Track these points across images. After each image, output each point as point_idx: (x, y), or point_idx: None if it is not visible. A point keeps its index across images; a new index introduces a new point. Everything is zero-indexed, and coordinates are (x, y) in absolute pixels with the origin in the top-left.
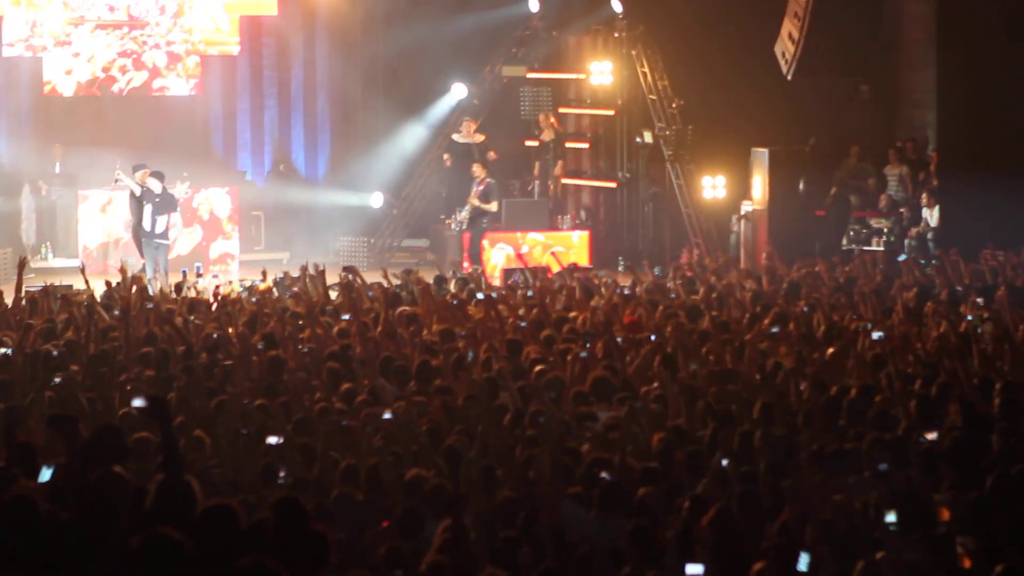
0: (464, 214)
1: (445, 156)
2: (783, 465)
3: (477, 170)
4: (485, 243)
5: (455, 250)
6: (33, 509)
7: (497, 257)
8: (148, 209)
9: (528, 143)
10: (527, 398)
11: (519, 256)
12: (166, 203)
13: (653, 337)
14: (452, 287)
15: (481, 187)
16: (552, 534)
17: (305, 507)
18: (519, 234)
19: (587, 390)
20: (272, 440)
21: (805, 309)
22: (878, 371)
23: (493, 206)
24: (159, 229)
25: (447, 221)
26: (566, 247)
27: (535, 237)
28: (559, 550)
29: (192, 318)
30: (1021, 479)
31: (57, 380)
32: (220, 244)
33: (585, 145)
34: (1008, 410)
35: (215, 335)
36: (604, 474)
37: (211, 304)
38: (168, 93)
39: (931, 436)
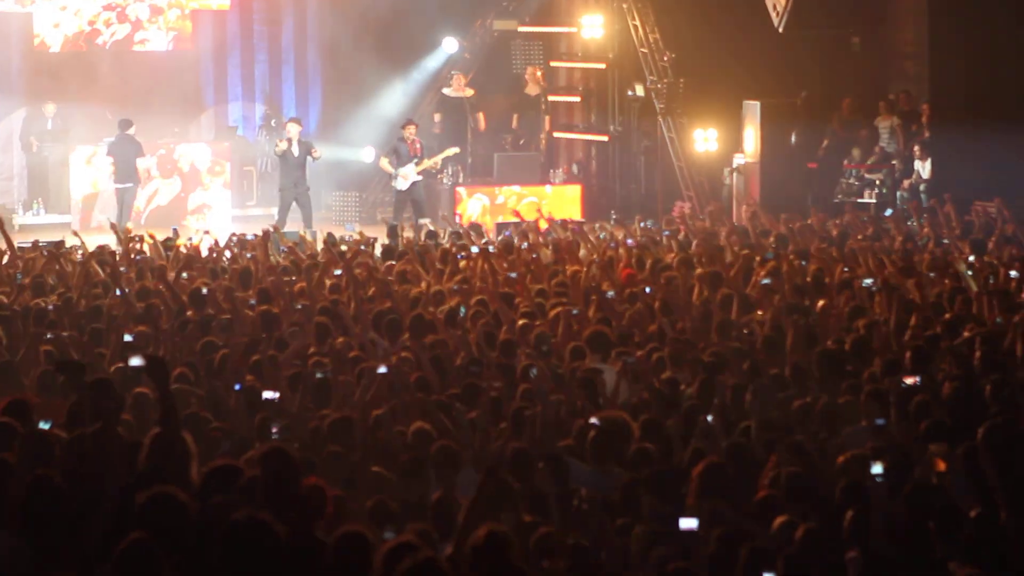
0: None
1: (436, 116)
2: (775, 418)
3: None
4: (462, 192)
5: (447, 204)
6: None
7: (473, 207)
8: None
9: (513, 98)
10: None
11: (514, 212)
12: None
13: (648, 290)
14: (445, 240)
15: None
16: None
17: (296, 460)
18: (497, 188)
19: (583, 344)
20: (268, 395)
21: (801, 263)
22: (867, 322)
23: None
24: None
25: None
26: (540, 198)
27: (512, 189)
28: (561, 502)
29: (184, 275)
30: (1011, 429)
31: (50, 336)
32: (199, 195)
33: (576, 99)
34: (991, 361)
35: (204, 291)
36: (594, 419)
37: (204, 259)
38: (149, 46)
39: (910, 380)
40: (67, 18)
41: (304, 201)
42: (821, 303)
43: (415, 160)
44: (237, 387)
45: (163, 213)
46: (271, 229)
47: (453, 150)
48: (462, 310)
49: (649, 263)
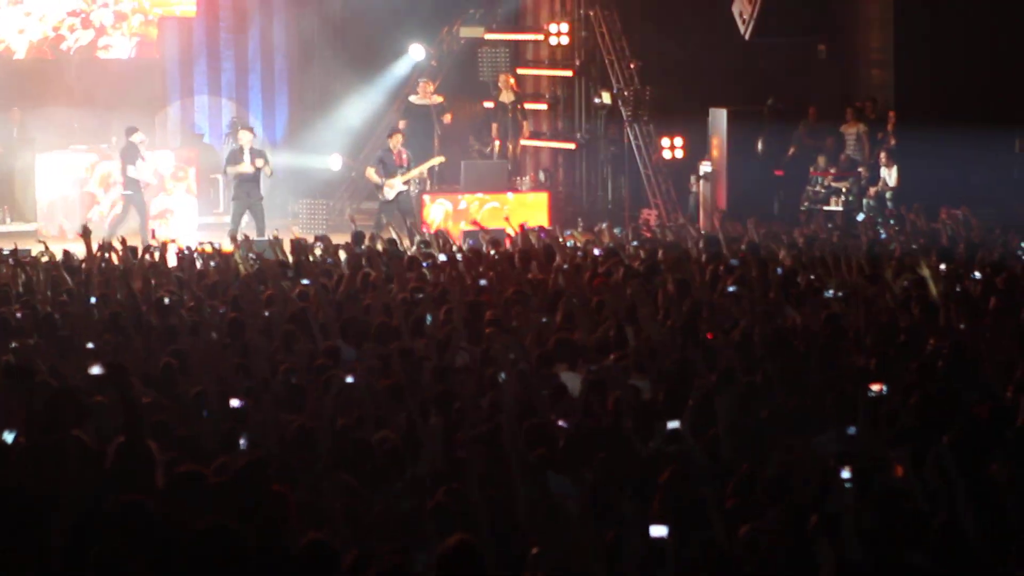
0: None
1: (400, 123)
2: (742, 425)
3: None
4: (425, 198)
5: (414, 212)
6: None
7: (436, 213)
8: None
9: (486, 104)
10: (486, 360)
11: (474, 221)
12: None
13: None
14: (410, 246)
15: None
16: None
17: (268, 470)
18: (460, 195)
19: (550, 352)
20: (235, 403)
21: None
22: (834, 329)
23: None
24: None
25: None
26: (502, 203)
27: (475, 196)
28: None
29: (153, 282)
30: (975, 436)
31: (14, 345)
32: (162, 200)
33: (543, 106)
34: (955, 369)
35: (167, 300)
36: (561, 423)
37: (171, 265)
38: (114, 53)
39: (876, 388)
40: (31, 24)
41: (257, 210)
42: (790, 311)
43: (401, 170)
44: (201, 393)
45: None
46: (240, 237)
47: (439, 159)
48: (428, 318)
49: (621, 271)
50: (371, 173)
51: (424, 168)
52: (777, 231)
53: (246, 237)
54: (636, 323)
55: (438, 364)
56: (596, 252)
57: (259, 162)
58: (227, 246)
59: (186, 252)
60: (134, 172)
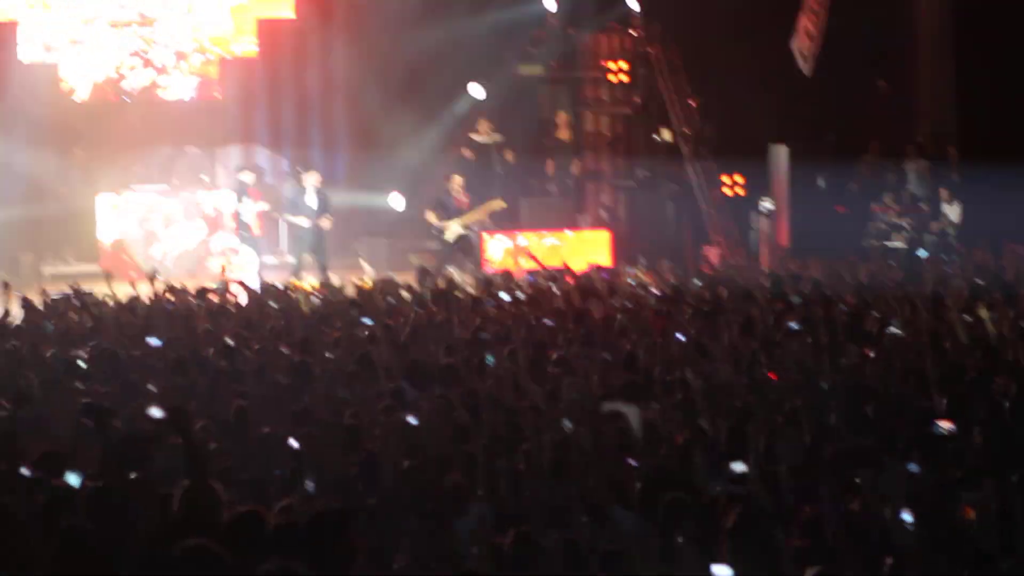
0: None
1: (464, 151)
2: (807, 465)
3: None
4: (486, 236)
5: (475, 251)
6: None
7: (495, 250)
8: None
9: (545, 142)
10: (551, 400)
11: (534, 258)
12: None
13: (684, 338)
14: (470, 287)
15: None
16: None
17: (344, 516)
18: (521, 233)
19: (612, 391)
20: (294, 444)
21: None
22: (901, 368)
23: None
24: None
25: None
26: (561, 241)
27: (535, 233)
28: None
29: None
30: None
31: (81, 387)
32: (222, 238)
33: (604, 144)
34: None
35: (232, 342)
36: (632, 462)
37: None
38: (174, 93)
39: (946, 425)
40: (93, 66)
41: (320, 250)
42: (854, 349)
43: (461, 213)
44: (266, 436)
45: (189, 256)
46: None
47: (499, 204)
48: (490, 359)
49: (683, 309)
50: (430, 216)
51: (484, 212)
52: (840, 269)
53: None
54: (700, 363)
55: (502, 404)
56: (658, 291)
57: (327, 221)
58: (291, 287)
59: (250, 293)
60: (243, 212)
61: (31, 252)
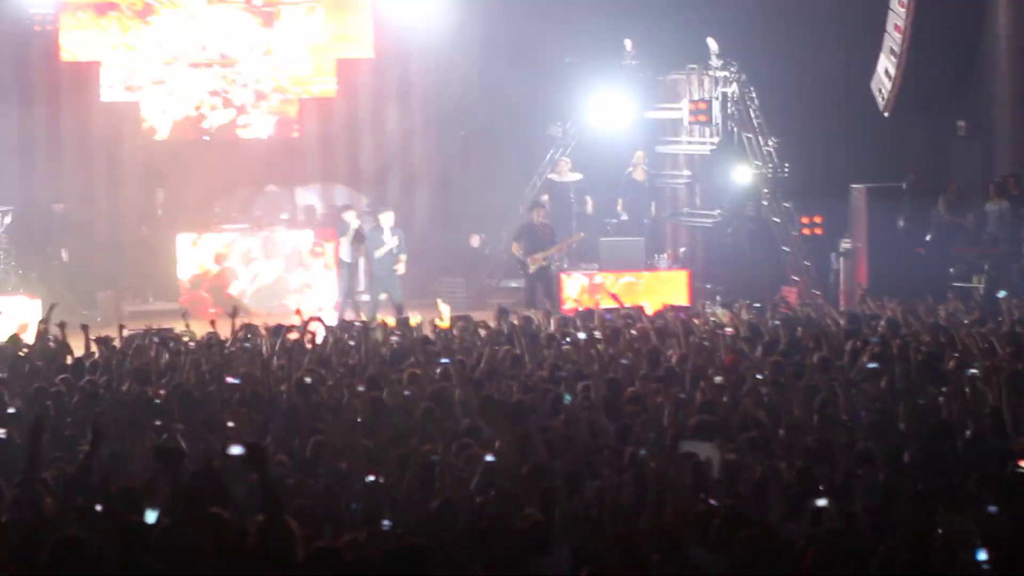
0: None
1: (544, 197)
2: (884, 505)
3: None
4: (563, 275)
5: (552, 289)
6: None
7: (572, 288)
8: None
9: (623, 180)
10: (625, 438)
11: (614, 296)
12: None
13: (760, 376)
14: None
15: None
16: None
17: (420, 553)
18: (598, 272)
19: (688, 431)
20: (370, 479)
21: (904, 345)
22: (979, 408)
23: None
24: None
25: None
26: (638, 279)
27: (611, 272)
28: None
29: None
30: None
31: (158, 424)
32: (300, 275)
33: (682, 183)
34: None
35: (308, 379)
36: (712, 501)
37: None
38: (254, 132)
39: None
40: (174, 104)
41: (394, 289)
42: (932, 389)
43: (544, 244)
44: (342, 472)
45: (266, 292)
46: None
47: (579, 236)
48: (567, 397)
49: (759, 349)
50: (515, 247)
51: (565, 245)
52: (919, 309)
53: (387, 315)
54: (775, 401)
55: (578, 442)
56: (733, 330)
57: (394, 244)
58: (371, 324)
59: (327, 330)
60: (343, 251)
61: (111, 290)
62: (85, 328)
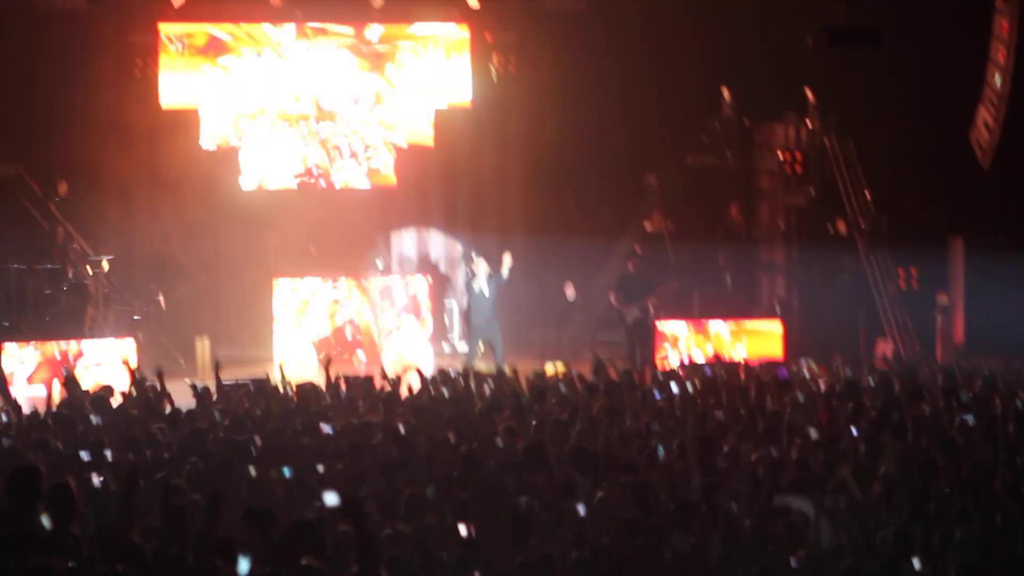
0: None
1: (636, 247)
2: (979, 565)
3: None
4: (659, 324)
5: (648, 340)
6: None
7: (669, 340)
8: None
9: (718, 232)
10: (718, 493)
11: (716, 354)
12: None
13: (856, 431)
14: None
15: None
16: None
17: None
18: (694, 322)
19: (782, 487)
20: (464, 532)
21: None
22: None
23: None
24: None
25: (625, 310)
26: (735, 331)
27: (709, 323)
28: None
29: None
30: None
31: (253, 471)
32: (396, 323)
33: (777, 235)
34: None
35: (403, 429)
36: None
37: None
38: (349, 181)
39: None
40: (271, 153)
41: (494, 339)
42: None
43: (642, 294)
44: (436, 524)
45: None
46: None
47: (673, 284)
48: (660, 451)
49: (850, 405)
50: (612, 297)
51: (661, 294)
52: (1017, 365)
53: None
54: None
55: (673, 496)
56: (828, 386)
57: (489, 293)
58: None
59: (423, 380)
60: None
61: (207, 336)
62: (160, 374)
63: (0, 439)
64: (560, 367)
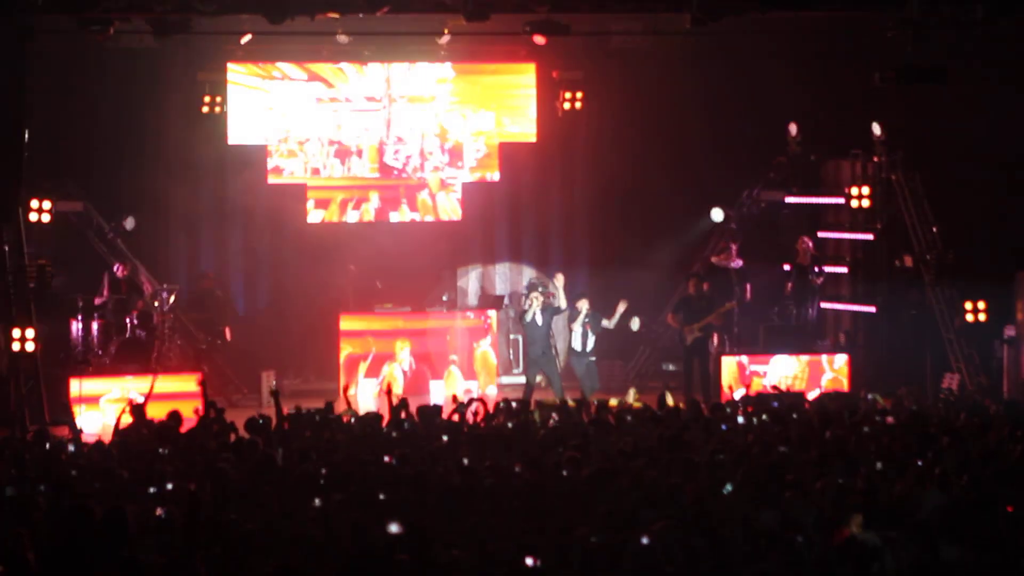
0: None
1: (704, 285)
2: None
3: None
4: (723, 359)
5: (712, 374)
6: None
7: (728, 372)
8: (579, 327)
9: (785, 267)
10: (786, 524)
11: (774, 387)
12: (595, 321)
13: (920, 463)
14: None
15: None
16: None
17: None
18: (755, 356)
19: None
20: (529, 562)
21: None
22: None
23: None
24: (590, 347)
25: (685, 331)
26: (796, 368)
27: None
28: None
29: (444, 437)
30: None
31: (318, 503)
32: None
33: (844, 269)
34: None
35: (466, 460)
36: None
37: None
38: (416, 215)
39: None
40: (336, 186)
41: (551, 371)
42: None
43: (702, 314)
44: (501, 553)
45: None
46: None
47: (730, 304)
48: (729, 487)
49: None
50: (671, 319)
51: (718, 315)
52: None
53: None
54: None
55: (734, 528)
56: (894, 418)
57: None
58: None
59: (485, 410)
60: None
61: (274, 369)
62: (212, 404)
63: (68, 468)
64: (630, 399)
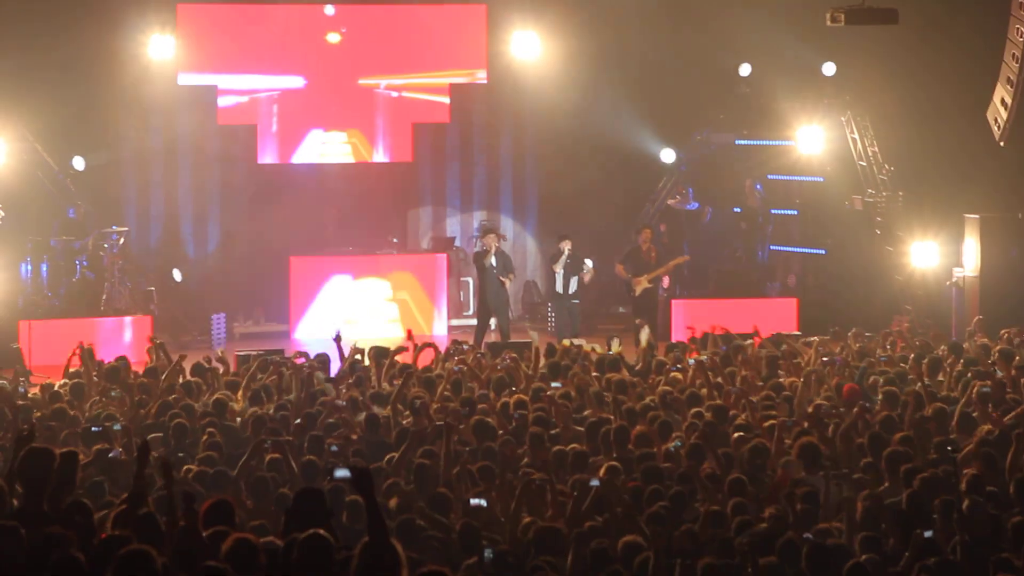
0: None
1: (662, 227)
2: (988, 537)
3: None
4: (674, 303)
5: (662, 317)
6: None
7: (676, 311)
8: (560, 268)
9: (735, 209)
10: (729, 465)
11: (723, 329)
12: (577, 263)
13: (869, 404)
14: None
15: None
16: None
17: None
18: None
19: (794, 458)
20: (475, 502)
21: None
22: None
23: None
24: (572, 288)
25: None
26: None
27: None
28: None
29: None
30: None
31: (268, 444)
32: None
33: (794, 212)
34: None
35: (418, 402)
36: (808, 535)
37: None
38: (370, 156)
39: None
40: (288, 127)
41: (502, 312)
42: None
43: (649, 267)
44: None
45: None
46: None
47: (683, 258)
48: (678, 443)
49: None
50: (619, 269)
51: (669, 267)
52: None
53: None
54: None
55: (681, 467)
56: (838, 361)
57: (508, 279)
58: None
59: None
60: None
61: (223, 312)
62: (160, 346)
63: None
64: (613, 348)
